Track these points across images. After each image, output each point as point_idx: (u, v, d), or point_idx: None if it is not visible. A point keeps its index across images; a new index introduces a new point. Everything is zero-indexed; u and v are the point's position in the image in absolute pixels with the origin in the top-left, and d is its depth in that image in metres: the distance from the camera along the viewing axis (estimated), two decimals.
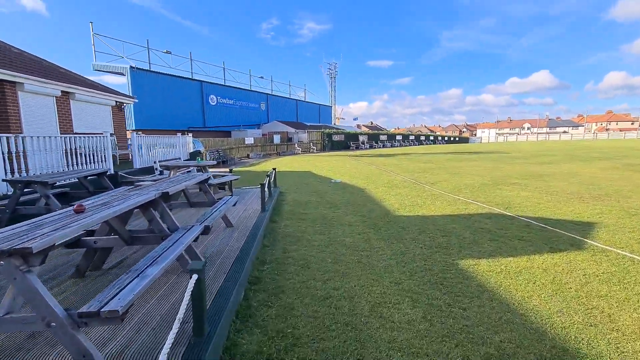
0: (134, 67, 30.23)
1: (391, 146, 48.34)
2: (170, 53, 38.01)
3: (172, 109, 33.98)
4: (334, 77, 70.98)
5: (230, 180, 7.04)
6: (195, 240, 3.27)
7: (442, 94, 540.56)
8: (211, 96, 38.99)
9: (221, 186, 7.00)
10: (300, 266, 3.98)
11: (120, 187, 5.60)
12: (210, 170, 13.28)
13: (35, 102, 8.89)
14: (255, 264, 3.98)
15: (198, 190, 6.72)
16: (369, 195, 8.52)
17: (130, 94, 31.94)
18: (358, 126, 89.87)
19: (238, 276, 3.23)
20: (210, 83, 39.20)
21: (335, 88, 69.80)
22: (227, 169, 13.45)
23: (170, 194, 3.30)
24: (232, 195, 7.21)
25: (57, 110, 9.26)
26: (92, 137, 7.57)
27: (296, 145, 30.93)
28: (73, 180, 5.79)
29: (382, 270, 3.87)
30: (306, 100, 58.49)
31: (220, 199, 4.44)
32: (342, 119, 73.56)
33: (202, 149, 16.05)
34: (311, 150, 32.89)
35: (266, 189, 7.06)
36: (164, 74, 33.60)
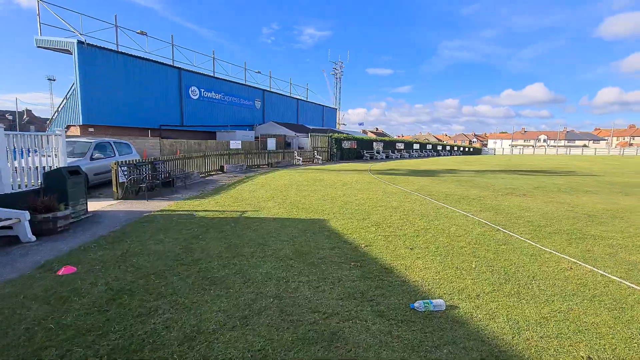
0: (83, 43, 22.59)
1: (409, 157, 40.69)
2: (145, 34, 30.45)
3: (138, 102, 26.28)
4: (339, 78, 64.05)
5: None
6: None
7: (439, 103, 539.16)
8: (192, 88, 31.39)
9: None
10: None
11: None
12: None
13: None
14: None
15: None
16: None
17: (78, 78, 24.24)
18: (364, 132, 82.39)
19: None
20: (192, 72, 31.62)
21: (340, 89, 62.73)
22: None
23: None
24: None
25: None
26: None
27: (295, 154, 23.18)
28: None
29: None
30: (308, 100, 51.12)
31: None
32: (343, 124, 66.78)
33: (121, 159, 8.28)
34: (315, 160, 25.17)
35: None
36: (126, 54, 25.93)
